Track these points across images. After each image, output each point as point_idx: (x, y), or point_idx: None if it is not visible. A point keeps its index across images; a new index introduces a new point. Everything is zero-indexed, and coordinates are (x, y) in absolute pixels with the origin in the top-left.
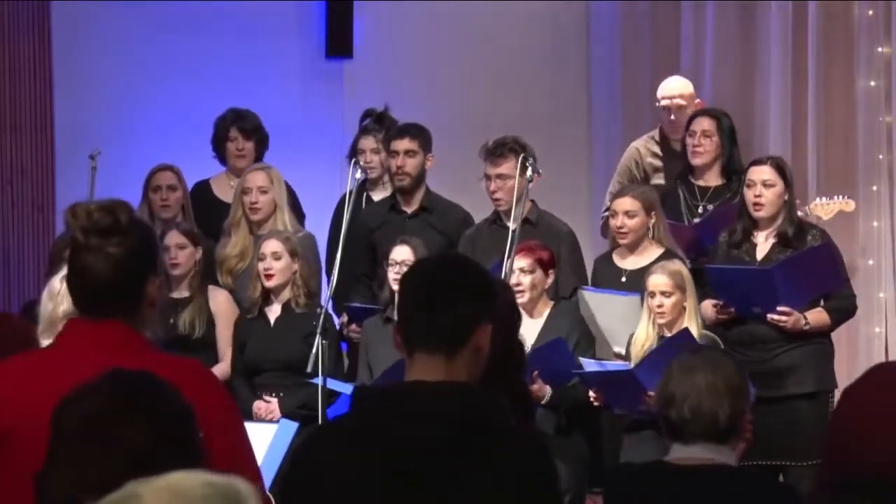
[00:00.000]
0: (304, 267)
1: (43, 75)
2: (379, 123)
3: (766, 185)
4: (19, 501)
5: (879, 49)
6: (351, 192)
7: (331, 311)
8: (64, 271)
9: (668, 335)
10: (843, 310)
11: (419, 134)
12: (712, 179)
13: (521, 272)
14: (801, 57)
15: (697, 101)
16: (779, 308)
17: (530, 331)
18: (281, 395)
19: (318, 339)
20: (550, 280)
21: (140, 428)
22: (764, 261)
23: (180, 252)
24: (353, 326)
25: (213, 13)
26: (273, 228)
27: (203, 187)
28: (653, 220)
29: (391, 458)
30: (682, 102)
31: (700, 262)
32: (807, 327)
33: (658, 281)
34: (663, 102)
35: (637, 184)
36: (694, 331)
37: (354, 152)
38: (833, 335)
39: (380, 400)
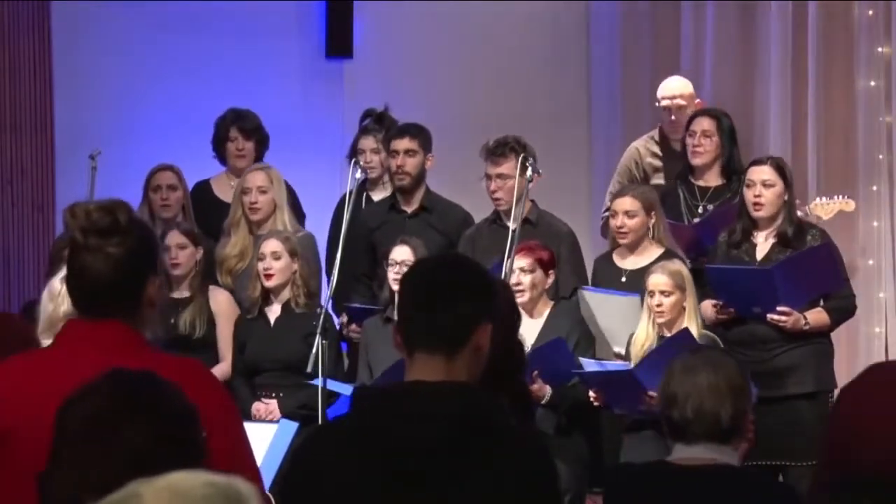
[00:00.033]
0: (304, 267)
1: (43, 75)
2: (379, 123)
3: (765, 185)
4: (19, 501)
5: (879, 49)
6: (351, 192)
7: (331, 311)
8: (64, 272)
9: (668, 335)
10: (843, 310)
11: (419, 134)
12: (712, 179)
13: (521, 272)
14: (801, 57)
15: (697, 101)
16: (779, 308)
17: (530, 331)
18: (281, 395)
19: (318, 339)
20: (550, 280)
21: (140, 428)
22: (764, 261)
23: (181, 252)
24: (353, 326)
25: (213, 13)
26: (273, 228)
27: (203, 187)
28: (653, 220)
29: (391, 458)
30: (682, 102)
31: (700, 262)
32: (807, 327)
33: (658, 281)
34: (663, 102)
35: (637, 184)
36: (694, 331)
37: (354, 152)
38: (833, 335)
39: (380, 400)
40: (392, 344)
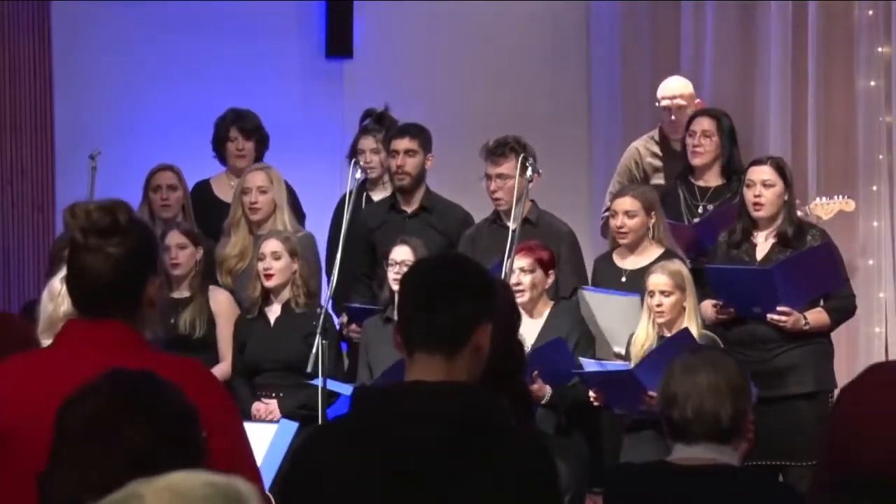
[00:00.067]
0: (304, 267)
1: (43, 75)
2: (379, 123)
3: (765, 185)
4: (19, 501)
5: (879, 49)
6: (351, 192)
7: (331, 311)
8: (64, 272)
9: (668, 335)
10: (843, 310)
11: (419, 133)
12: (712, 179)
13: (521, 272)
14: (801, 57)
15: (697, 101)
16: (779, 308)
17: (530, 331)
18: (281, 395)
19: (318, 339)
20: (550, 280)
21: (140, 428)
22: (764, 261)
23: (181, 252)
24: (353, 326)
25: (213, 13)
26: (273, 228)
27: (203, 187)
28: (653, 220)
29: (391, 458)
30: (682, 102)
31: (700, 262)
32: (806, 327)
33: (658, 280)
34: (663, 102)
35: (637, 184)
36: (694, 331)
37: (354, 152)
38: (833, 335)
39: (380, 400)
40: (392, 344)
